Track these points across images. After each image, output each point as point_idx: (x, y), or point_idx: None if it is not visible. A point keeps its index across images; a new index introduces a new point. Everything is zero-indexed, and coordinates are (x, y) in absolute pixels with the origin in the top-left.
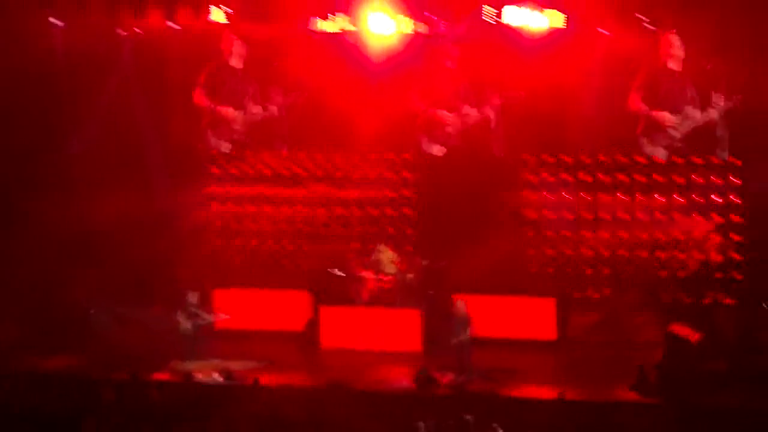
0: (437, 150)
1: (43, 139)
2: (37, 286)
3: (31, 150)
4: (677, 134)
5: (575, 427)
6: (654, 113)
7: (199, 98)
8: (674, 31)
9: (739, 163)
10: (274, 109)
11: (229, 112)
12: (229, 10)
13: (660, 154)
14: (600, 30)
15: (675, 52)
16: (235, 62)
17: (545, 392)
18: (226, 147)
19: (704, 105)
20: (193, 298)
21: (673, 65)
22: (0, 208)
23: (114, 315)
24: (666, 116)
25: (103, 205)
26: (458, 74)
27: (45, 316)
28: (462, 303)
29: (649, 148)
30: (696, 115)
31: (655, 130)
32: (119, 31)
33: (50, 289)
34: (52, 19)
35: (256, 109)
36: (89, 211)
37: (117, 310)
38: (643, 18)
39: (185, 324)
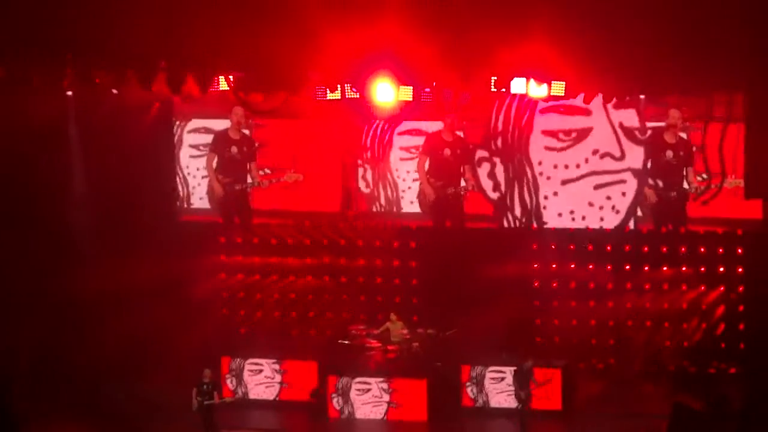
0: (442, 220)
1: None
2: (46, 357)
3: (36, 217)
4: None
5: None
6: (660, 186)
7: (207, 169)
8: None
9: (739, 232)
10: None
11: (234, 183)
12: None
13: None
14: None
15: (675, 124)
16: (237, 132)
17: None
18: (231, 216)
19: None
20: (201, 369)
21: (672, 138)
22: (10, 276)
23: (122, 387)
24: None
25: (111, 275)
26: (458, 143)
27: (54, 387)
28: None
29: (657, 219)
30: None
31: (663, 202)
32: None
33: (60, 361)
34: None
35: (259, 179)
36: (97, 281)
37: (125, 382)
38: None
39: (194, 395)
